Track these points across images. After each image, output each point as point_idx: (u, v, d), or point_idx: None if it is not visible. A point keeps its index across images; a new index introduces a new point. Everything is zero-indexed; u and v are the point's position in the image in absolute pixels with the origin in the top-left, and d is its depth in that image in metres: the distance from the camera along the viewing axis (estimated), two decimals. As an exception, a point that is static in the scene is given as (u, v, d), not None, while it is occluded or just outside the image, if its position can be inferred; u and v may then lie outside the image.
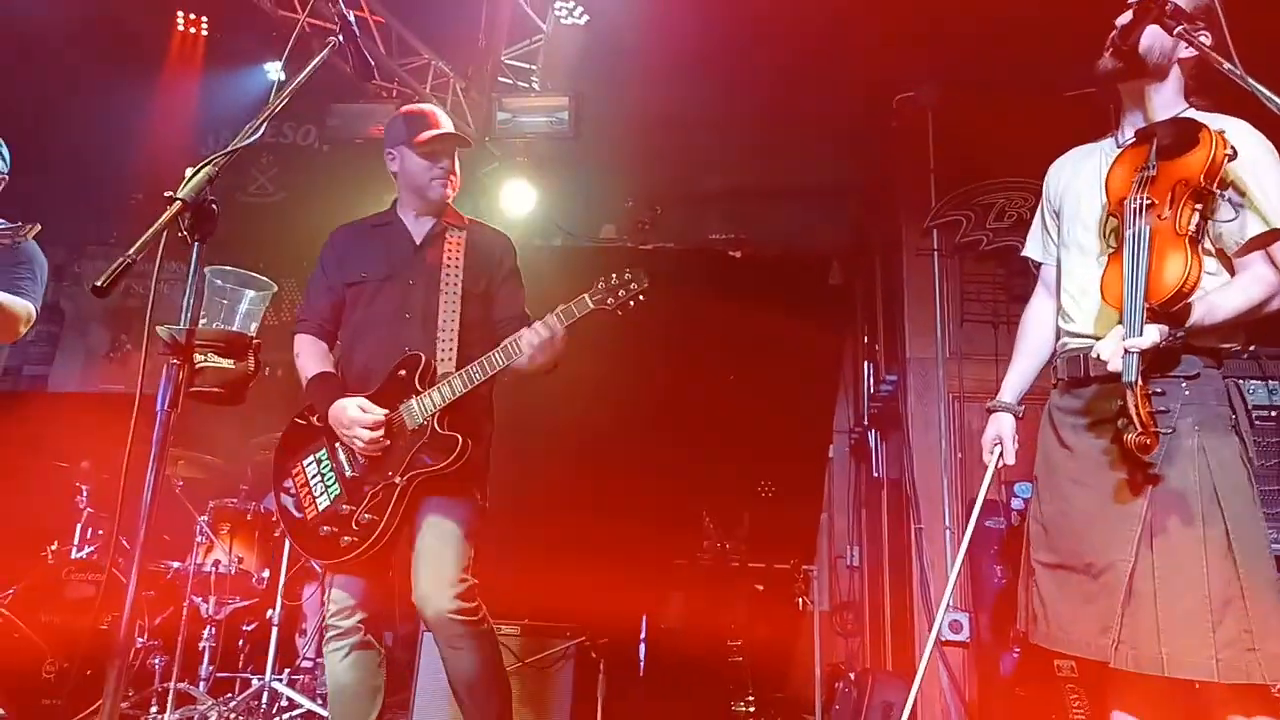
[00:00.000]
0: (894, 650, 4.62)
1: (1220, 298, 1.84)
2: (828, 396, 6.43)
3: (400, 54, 4.87)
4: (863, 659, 5.13)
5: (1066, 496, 1.99)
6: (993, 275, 4.45)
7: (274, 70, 5.51)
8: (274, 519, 4.06)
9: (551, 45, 4.64)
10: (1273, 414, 2.63)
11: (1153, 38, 2.00)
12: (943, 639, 3.84)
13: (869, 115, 4.89)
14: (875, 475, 5.29)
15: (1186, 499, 1.81)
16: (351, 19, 2.07)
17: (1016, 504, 3.98)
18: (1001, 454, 2.26)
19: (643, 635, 4.71)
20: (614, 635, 3.91)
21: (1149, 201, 1.84)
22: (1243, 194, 1.89)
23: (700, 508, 5.32)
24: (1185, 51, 2.01)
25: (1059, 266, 2.19)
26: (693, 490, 5.37)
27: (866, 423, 5.41)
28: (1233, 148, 1.83)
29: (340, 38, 2.05)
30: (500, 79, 4.85)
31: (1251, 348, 2.44)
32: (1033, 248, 2.32)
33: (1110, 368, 1.77)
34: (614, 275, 2.30)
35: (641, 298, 2.30)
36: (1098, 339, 1.88)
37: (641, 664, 4.65)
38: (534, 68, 4.83)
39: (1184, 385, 1.87)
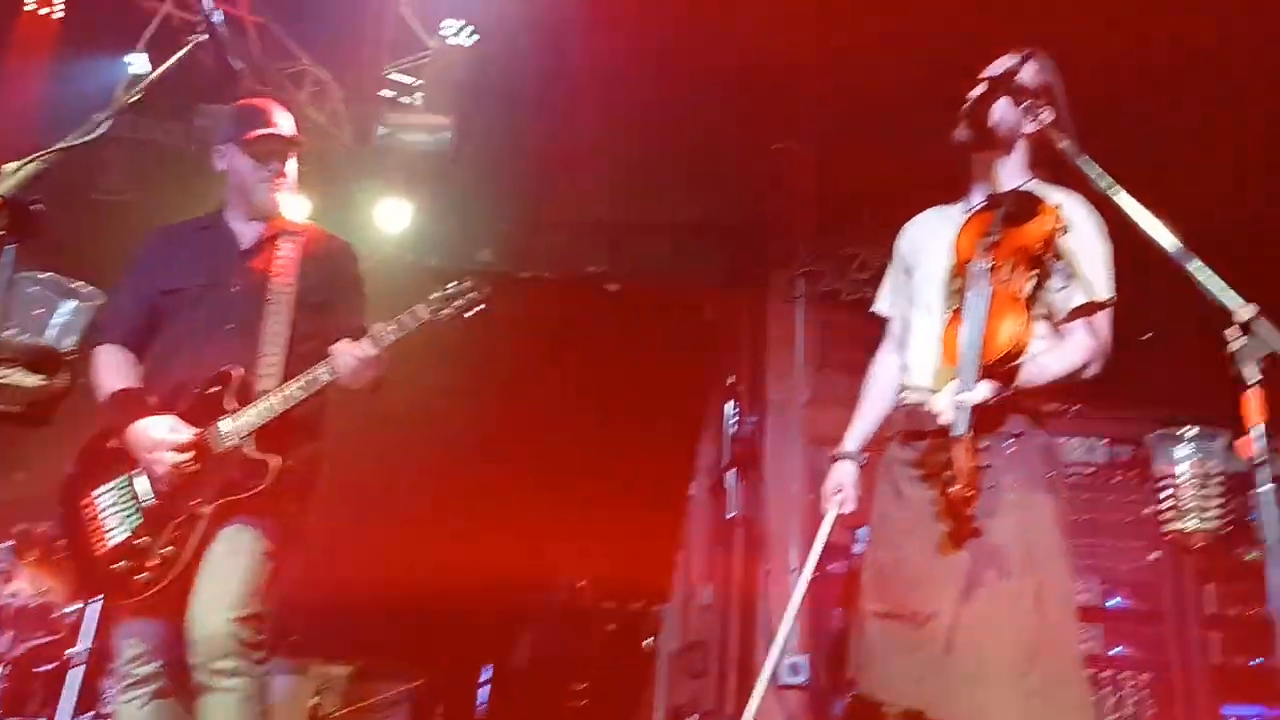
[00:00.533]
0: (739, 692, 4.63)
1: (1046, 360, 1.96)
2: (692, 434, 6.48)
3: (279, 57, 4.68)
4: (708, 700, 5.12)
5: (898, 546, 2.05)
6: (852, 325, 4.59)
7: (136, 63, 5.17)
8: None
9: (437, 63, 4.56)
10: (1090, 469, 2.81)
11: (1001, 112, 2.12)
12: (781, 682, 3.88)
13: (748, 159, 5.01)
14: (731, 515, 5.33)
15: (1003, 553, 1.88)
16: (220, 17, 1.97)
17: (859, 548, 4.08)
18: (842, 501, 2.32)
19: (486, 678, 4.56)
20: (456, 678, 3.75)
21: (991, 265, 1.94)
22: (1072, 266, 2.02)
23: (556, 544, 5.23)
24: (1030, 126, 2.14)
25: (906, 322, 2.28)
26: (549, 525, 5.28)
27: (727, 462, 5.47)
28: (1066, 222, 1.95)
29: (204, 35, 1.95)
30: (382, 92, 4.72)
31: (1076, 406, 2.61)
32: (882, 303, 2.42)
33: (942, 420, 1.83)
34: (449, 286, 2.19)
35: (481, 307, 2.21)
36: (935, 393, 1.96)
37: (481, 709, 4.48)
38: (418, 83, 4.73)
39: (1008, 443, 1.96)
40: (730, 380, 5.64)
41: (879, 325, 4.48)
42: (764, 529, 4.43)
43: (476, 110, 4.71)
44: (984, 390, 1.80)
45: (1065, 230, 1.92)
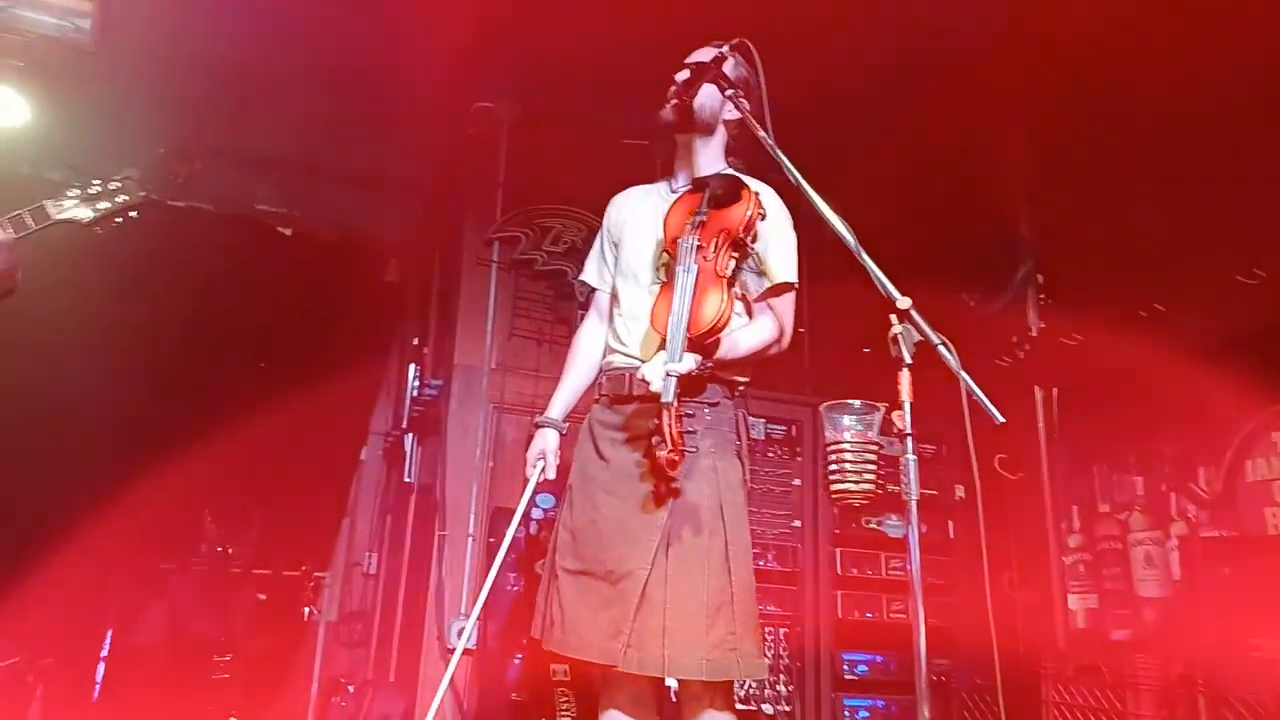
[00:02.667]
0: (400, 661, 4.50)
1: (740, 337, 2.10)
2: (368, 396, 6.16)
3: None
4: (366, 670, 4.92)
5: (598, 505, 2.09)
6: (543, 295, 4.61)
7: None
8: None
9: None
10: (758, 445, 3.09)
11: (706, 97, 2.23)
12: (450, 645, 3.81)
13: (446, 116, 4.82)
14: (407, 480, 5.15)
15: (700, 512, 2.00)
16: None
17: (536, 514, 4.14)
18: (544, 468, 2.33)
19: (104, 654, 3.97)
20: (63, 655, 3.22)
21: (698, 243, 2.02)
22: (765, 250, 2.17)
23: (202, 506, 4.69)
24: (730, 114, 2.27)
25: (614, 293, 2.32)
26: (195, 486, 4.72)
27: (405, 426, 5.27)
28: (765, 209, 2.10)
29: None
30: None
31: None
32: (589, 274, 2.45)
33: (652, 388, 1.89)
34: (96, 181, 1.83)
35: (132, 214, 1.88)
36: (643, 361, 2.05)
37: (97, 687, 3.91)
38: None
39: (707, 411, 2.09)
40: (415, 342, 5.44)
41: (571, 298, 4.59)
42: (441, 494, 4.31)
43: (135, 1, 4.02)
44: (690, 362, 1.89)
45: (764, 217, 2.06)
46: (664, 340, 1.93)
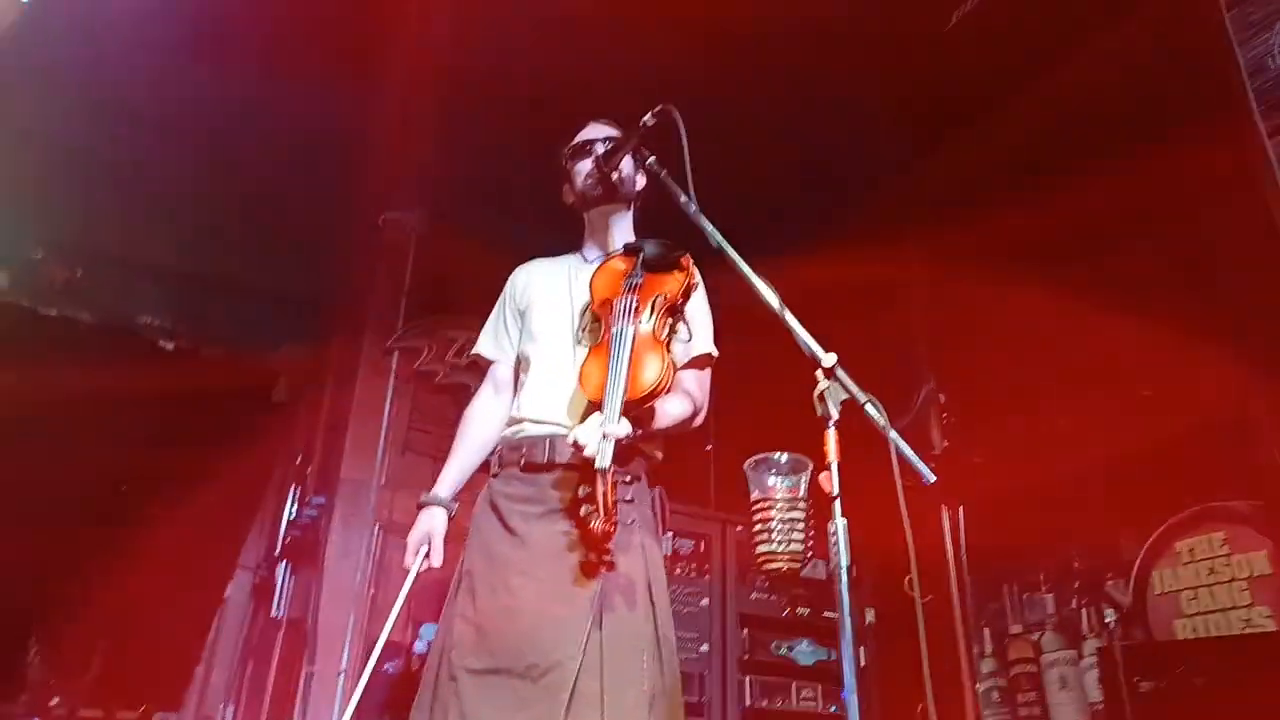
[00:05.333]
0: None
1: (669, 405, 1.96)
2: (242, 526, 5.68)
3: None
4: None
5: (513, 590, 1.84)
6: (442, 410, 4.43)
7: None
8: None
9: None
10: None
11: (628, 167, 2.21)
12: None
13: (351, 226, 4.74)
14: (275, 615, 4.68)
15: (634, 587, 1.82)
16: None
17: (420, 646, 3.76)
18: (429, 553, 2.08)
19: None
20: None
21: (635, 305, 1.94)
22: (690, 319, 2.11)
23: (27, 637, 4.11)
24: (641, 182, 2.26)
25: (518, 363, 2.19)
26: (22, 614, 4.15)
27: (279, 553, 4.85)
28: (699, 277, 2.06)
29: None
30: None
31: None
32: (485, 345, 2.31)
33: (587, 452, 1.73)
34: None
35: None
36: (567, 427, 1.87)
37: None
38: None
39: (632, 484, 1.92)
40: (298, 459, 5.10)
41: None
42: (312, 626, 3.91)
43: (15, 78, 3.86)
44: (626, 425, 1.75)
45: (698, 285, 2.02)
46: (593, 404, 1.80)
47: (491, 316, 2.34)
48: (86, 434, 5.06)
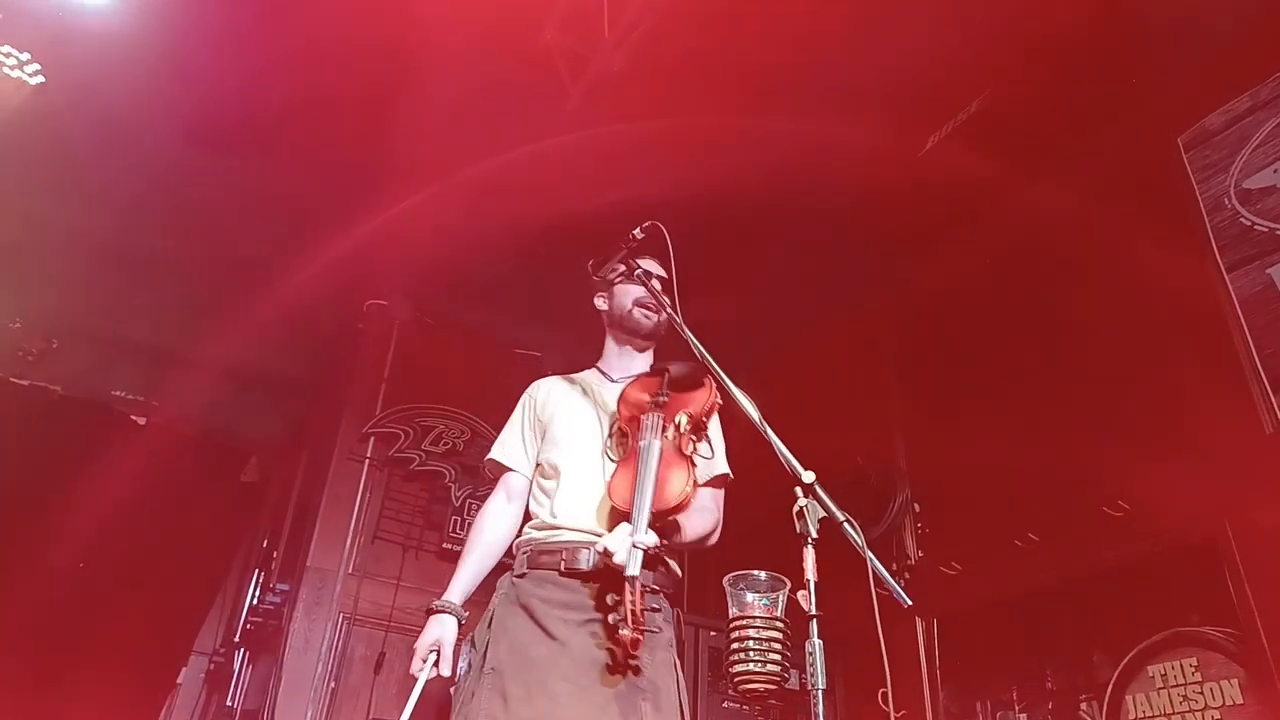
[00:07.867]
0: None
1: (693, 519, 1.98)
2: (199, 609, 5.52)
3: None
4: None
5: (554, 696, 1.81)
6: (415, 498, 4.38)
7: None
8: None
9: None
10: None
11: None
12: None
13: (336, 311, 4.76)
14: (230, 705, 4.51)
15: (660, 693, 1.83)
16: None
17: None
18: (438, 661, 2.03)
19: None
20: None
21: (663, 421, 2.00)
22: (711, 438, 2.16)
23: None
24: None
25: (541, 470, 2.20)
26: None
27: (238, 639, 4.70)
28: (720, 398, 2.09)
29: None
30: None
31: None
32: (512, 456, 2.28)
33: (616, 559, 1.76)
34: None
35: None
36: (598, 535, 1.90)
37: None
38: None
39: (659, 593, 1.95)
40: (264, 542, 5.00)
41: (445, 503, 4.34)
42: (269, 718, 3.77)
43: (12, 170, 3.93)
44: (654, 537, 1.79)
45: (719, 405, 2.07)
46: (621, 514, 1.84)
47: (510, 427, 2.33)
48: (48, 503, 4.95)
